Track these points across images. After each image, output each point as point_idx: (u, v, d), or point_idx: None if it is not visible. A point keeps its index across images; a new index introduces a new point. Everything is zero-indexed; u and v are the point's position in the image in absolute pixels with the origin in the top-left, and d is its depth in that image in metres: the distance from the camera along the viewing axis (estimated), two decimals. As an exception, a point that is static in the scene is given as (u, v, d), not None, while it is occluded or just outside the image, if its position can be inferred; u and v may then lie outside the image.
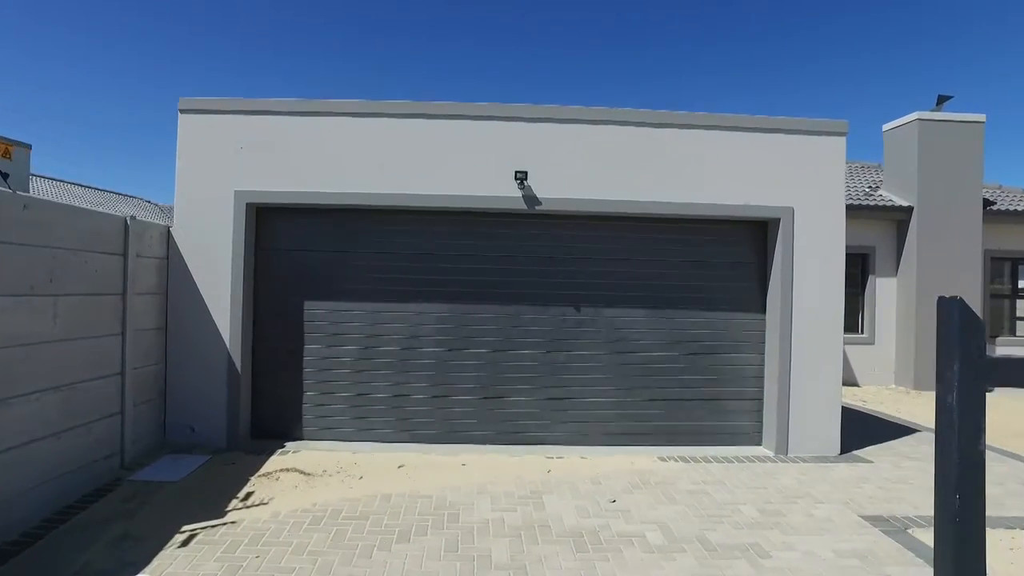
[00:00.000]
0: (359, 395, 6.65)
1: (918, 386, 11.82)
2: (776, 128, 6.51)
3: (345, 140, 6.37)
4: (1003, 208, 12.31)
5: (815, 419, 6.53)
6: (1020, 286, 13.15)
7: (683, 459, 6.30)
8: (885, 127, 12.82)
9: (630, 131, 6.46)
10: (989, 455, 7.35)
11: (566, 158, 6.43)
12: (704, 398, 6.79)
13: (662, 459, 6.30)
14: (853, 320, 12.49)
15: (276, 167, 6.33)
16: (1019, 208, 12.43)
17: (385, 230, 6.68)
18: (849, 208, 11.98)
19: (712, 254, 6.82)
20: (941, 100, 12.28)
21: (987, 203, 12.19)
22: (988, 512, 4.99)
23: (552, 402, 6.72)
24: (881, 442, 7.24)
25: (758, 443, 6.82)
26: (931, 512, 5.41)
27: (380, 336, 6.65)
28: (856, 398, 10.88)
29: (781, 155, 6.51)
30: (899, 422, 8.53)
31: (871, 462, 6.36)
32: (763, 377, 6.76)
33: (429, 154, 6.40)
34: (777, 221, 6.52)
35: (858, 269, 12.46)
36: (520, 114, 6.45)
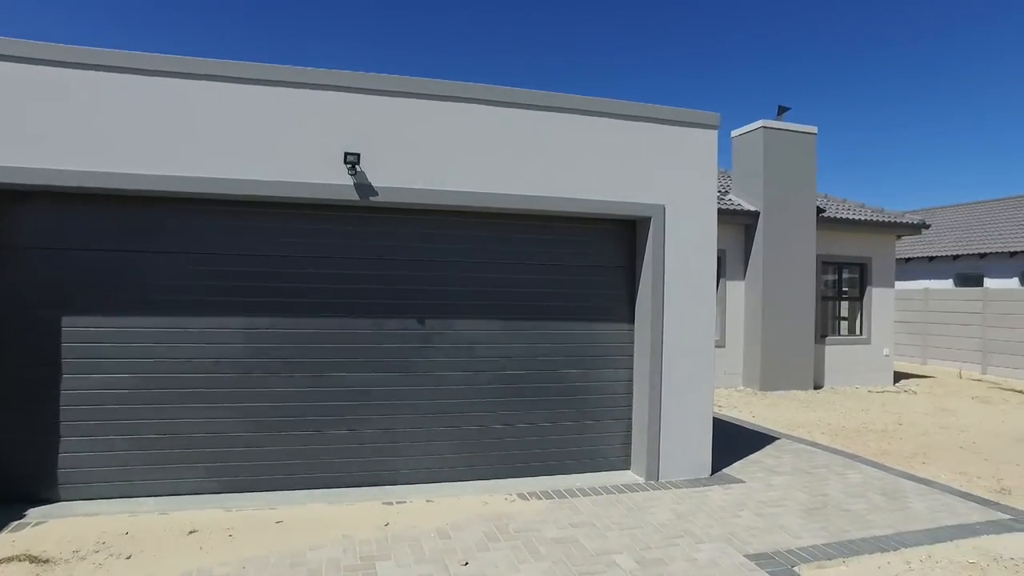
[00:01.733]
0: (142, 437, 5.06)
1: (764, 387, 12.07)
2: (646, 116, 5.84)
3: (122, 106, 4.77)
4: (831, 216, 12.96)
5: (687, 440, 5.95)
6: (844, 289, 14.01)
7: (546, 494, 5.43)
8: (734, 133, 13.05)
9: (484, 111, 5.47)
10: (838, 460, 7.40)
11: (409, 140, 5.31)
12: (568, 420, 5.98)
13: (523, 496, 5.38)
14: (704, 323, 12.53)
15: (17, 136, 4.60)
16: (845, 216, 13.17)
17: (182, 224, 5.15)
18: (701, 211, 12.02)
19: (577, 257, 6.03)
20: (781, 110, 12.71)
21: (819, 210, 12.77)
22: (857, 533, 4.49)
23: (391, 433, 5.56)
24: (747, 455, 6.89)
25: (627, 467, 6.13)
26: (811, 541, 4.97)
27: (173, 360, 5.12)
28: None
29: (652, 147, 5.86)
30: (758, 429, 8.36)
31: (743, 482, 5.89)
32: (632, 395, 6.09)
33: (238, 128, 4.98)
34: (648, 220, 5.85)
35: (709, 272, 12.51)
36: (352, 83, 5.22)
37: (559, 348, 5.97)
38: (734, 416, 9.43)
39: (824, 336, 13.25)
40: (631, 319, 6.08)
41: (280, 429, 5.32)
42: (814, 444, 7.54)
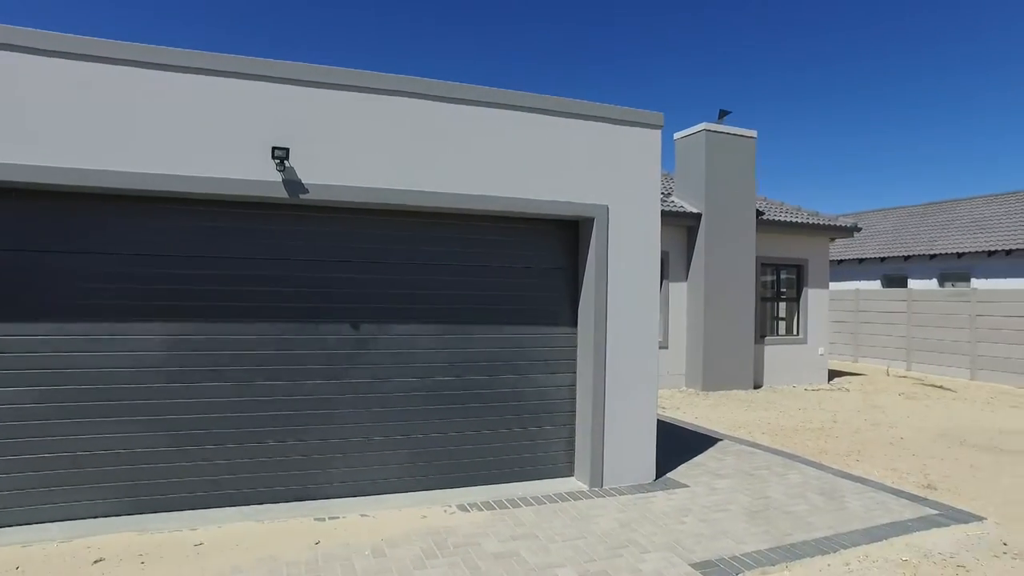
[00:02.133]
0: (47, 456, 4.60)
1: (706, 387, 12.21)
2: (590, 115, 5.72)
3: (27, 90, 4.32)
4: (770, 218, 13.25)
5: (631, 444, 5.86)
6: (781, 290, 14.36)
7: (488, 505, 5.23)
8: (676, 135, 13.18)
9: (421, 106, 5.24)
10: (778, 461, 7.50)
11: (342, 135, 5.03)
12: (510, 427, 5.80)
13: (463, 507, 5.17)
14: (647, 324, 12.59)
15: None
16: (783, 219, 13.48)
17: (95, 223, 4.71)
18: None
19: (519, 259, 5.86)
20: (722, 114, 12.89)
21: (759, 213, 13.03)
22: (799, 536, 4.48)
23: (325, 444, 5.26)
24: (690, 457, 6.87)
25: (571, 474, 6.00)
26: (755, 547, 4.74)
27: (86, 370, 4.67)
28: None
29: (595, 146, 5.75)
30: (700, 431, 8.39)
31: (687, 486, 5.84)
32: (575, 400, 5.96)
33: (158, 119, 4.59)
34: (591, 221, 5.74)
35: (652, 274, 12.59)
36: (284, 73, 4.90)
37: (501, 353, 5.79)
38: (678, 417, 9.47)
39: (763, 336, 13.53)
40: (574, 322, 5.96)
41: (205, 442, 4.94)
42: (755, 445, 7.60)
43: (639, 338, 5.86)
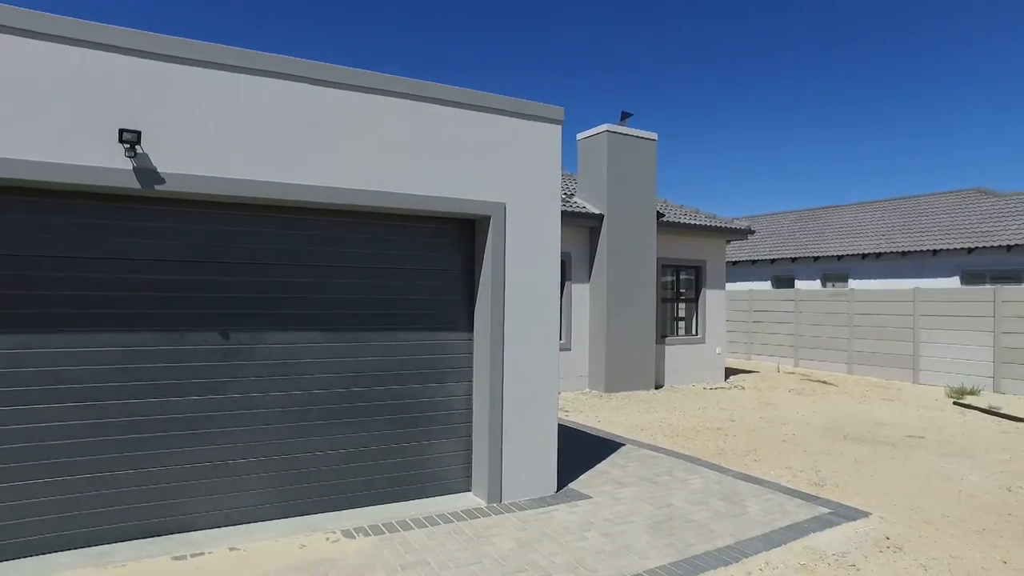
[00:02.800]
0: None
1: (609, 389, 12.21)
2: (487, 107, 5.38)
3: None
4: (671, 220, 13.47)
5: (532, 456, 5.57)
6: (681, 291, 14.66)
7: (376, 529, 4.77)
8: (579, 136, 13.13)
9: (303, 91, 4.71)
10: (680, 465, 7.33)
11: (209, 119, 4.42)
12: (402, 442, 5.36)
13: (348, 533, 4.68)
14: (552, 326, 12.45)
15: None
16: (683, 220, 13.76)
17: None
18: (548, 214, 11.91)
19: (411, 259, 5.43)
20: (624, 116, 12.96)
21: (659, 215, 13.21)
22: (702, 547, 4.19)
23: (189, 469, 4.61)
24: (593, 464, 6.68)
25: (468, 489, 5.63)
26: (659, 561, 4.24)
27: None
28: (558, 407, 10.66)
29: (493, 140, 5.41)
30: (603, 435, 8.26)
31: (589, 497, 5.62)
32: (472, 410, 5.60)
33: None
34: (487, 220, 5.39)
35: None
36: (133, 44, 4.23)
37: (392, 360, 5.34)
38: (580, 422, 9.33)
39: (664, 337, 13.74)
40: (471, 327, 5.60)
41: (38, 475, 4.18)
42: (657, 448, 7.54)
43: (539, 343, 5.58)
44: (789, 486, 6.12)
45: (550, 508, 5.32)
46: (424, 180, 5.11)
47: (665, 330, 13.96)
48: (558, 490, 5.74)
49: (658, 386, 13.23)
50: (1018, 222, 17.80)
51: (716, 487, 5.96)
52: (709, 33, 63.11)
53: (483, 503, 5.38)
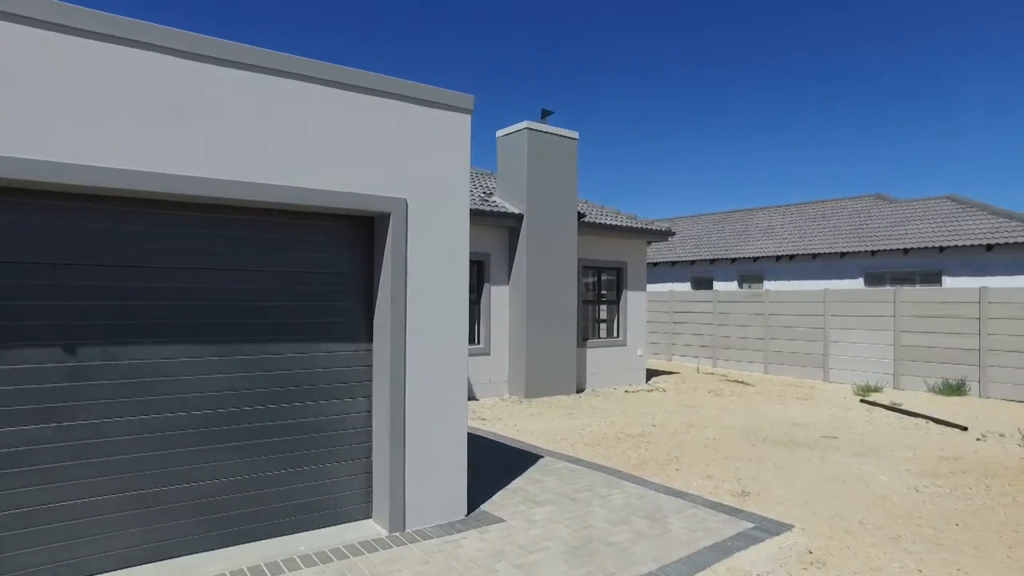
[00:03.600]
0: None
1: (529, 394, 11.84)
2: (388, 91, 4.82)
3: None
4: (592, 220, 13.26)
5: (439, 477, 5.05)
6: (602, 292, 14.51)
7: (256, 572, 4.12)
8: (499, 133, 12.70)
9: (169, 64, 4.01)
10: (601, 479, 6.23)
11: (38, 90, 3.66)
12: (292, 466, 4.72)
13: (221, 580, 4.02)
14: (470, 331, 11.97)
15: None
16: (604, 221, 13.57)
17: None
18: (470, 213, 11.41)
19: (304, 262, 4.81)
20: (545, 114, 12.64)
21: (580, 215, 12.96)
22: (624, 574, 3.76)
23: (25, 514, 3.82)
24: (508, 481, 6.23)
25: (369, 515, 5.06)
26: None
27: None
28: (475, 416, 10.19)
29: (393, 129, 4.86)
30: (521, 446, 7.83)
31: (502, 520, 5.15)
32: (372, 428, 5.03)
33: None
34: (387, 217, 4.84)
35: (474, 277, 11.99)
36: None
37: (280, 376, 4.70)
38: (499, 432, 8.88)
39: (586, 339, 13.51)
40: (370, 337, 5.03)
41: None
42: (577, 460, 7.17)
43: (445, 353, 5.07)
44: (712, 498, 5.88)
45: (458, 536, 4.82)
46: (314, 172, 4.50)
47: (587, 333, 13.75)
48: (469, 513, 5.25)
49: (580, 390, 12.98)
50: (914, 227, 18.75)
51: (638, 503, 5.63)
52: (624, 39, 64.45)
53: (384, 532, 4.82)
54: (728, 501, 5.83)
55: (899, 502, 6.01)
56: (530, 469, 6.69)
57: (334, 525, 4.91)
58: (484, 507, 5.44)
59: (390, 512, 4.82)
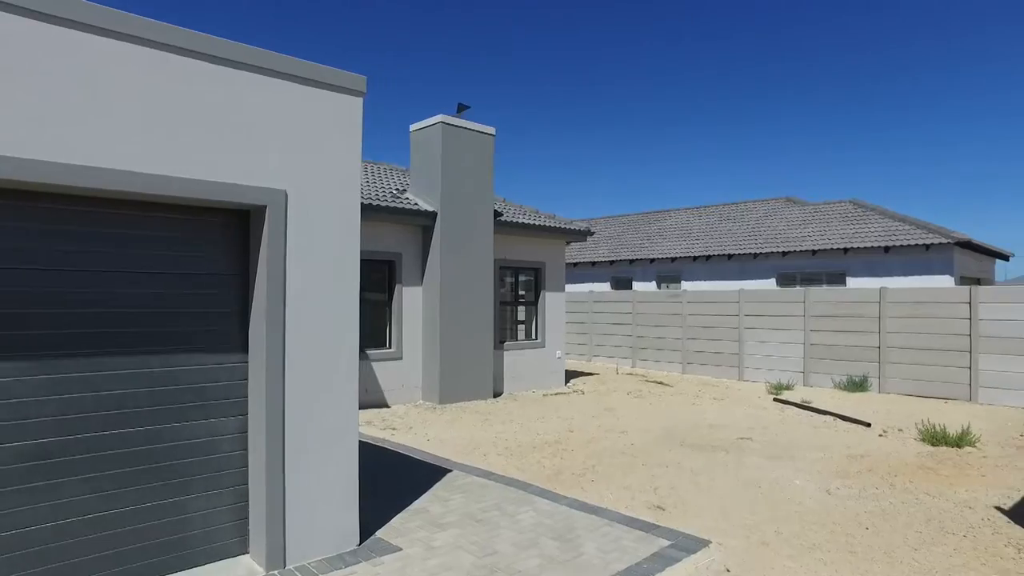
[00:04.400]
0: None
1: (444, 400, 11.32)
2: (266, 68, 4.20)
3: None
4: (509, 219, 12.87)
5: (325, 504, 4.48)
6: (520, 293, 14.17)
7: (92, 634, 3.44)
8: (412, 127, 12.11)
9: (-23, 19, 3.27)
10: (511, 495, 5.49)
11: None
12: (153, 500, 4.03)
13: (44, 648, 3.31)
14: (381, 335, 11.32)
15: None
16: (521, 220, 13.22)
17: None
18: (376, 210, 10.74)
19: (169, 262, 4.12)
20: (461, 108, 12.15)
21: (497, 214, 12.56)
22: None
23: None
24: (411, 500, 5.70)
25: (244, 550, 4.42)
26: None
27: None
28: (385, 424, 9.58)
29: (271, 110, 4.25)
30: (429, 459, 7.31)
31: (399, 549, 4.63)
32: (247, 452, 4.40)
33: None
34: (262, 211, 4.22)
35: (385, 277, 11.36)
36: None
37: (140, 395, 3.99)
38: (407, 443, 8.32)
39: (503, 342, 13.12)
40: (245, 347, 4.39)
41: None
42: (488, 473, 6.73)
43: (333, 366, 4.50)
44: (628, 513, 5.56)
45: (347, 570, 4.26)
46: (172, 157, 3.83)
47: (504, 335, 13.36)
48: (361, 542, 4.70)
49: (497, 394, 12.57)
50: (821, 229, 19.48)
51: (549, 522, 5.23)
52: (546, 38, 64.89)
53: (261, 570, 4.21)
54: (644, 515, 5.54)
55: (813, 507, 5.91)
56: (436, 485, 6.19)
57: (204, 564, 4.24)
58: (380, 534, 4.90)
59: (267, 546, 4.21)
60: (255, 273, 4.30)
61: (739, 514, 5.67)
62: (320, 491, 4.45)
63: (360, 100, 4.66)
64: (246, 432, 4.38)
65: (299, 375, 4.32)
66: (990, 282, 20.29)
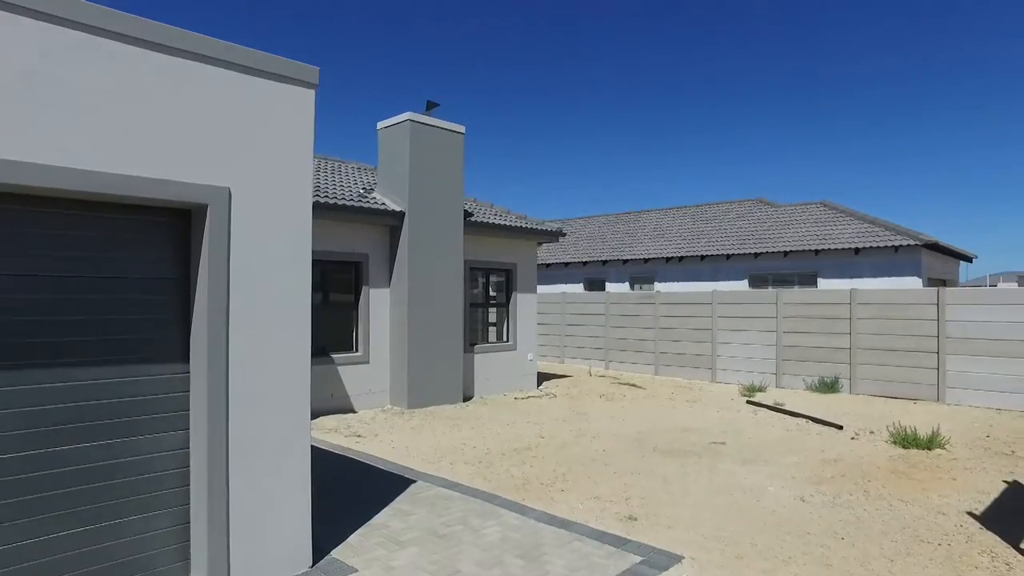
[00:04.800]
0: None
1: (412, 405, 11.02)
2: (208, 55, 3.90)
3: None
4: (479, 220, 12.61)
5: (274, 524, 4.18)
6: (491, 294, 13.93)
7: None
8: (380, 125, 11.78)
9: None
10: (476, 508, 5.17)
11: None
12: (82, 525, 3.69)
13: None
14: (348, 338, 10.98)
15: None
16: (492, 221, 12.96)
17: None
18: (342, 209, 10.40)
19: (104, 265, 3.78)
20: (430, 106, 11.86)
21: (467, 214, 12.30)
22: None
23: None
24: (371, 515, 5.42)
25: (186, 573, 4.10)
26: None
27: None
28: (351, 431, 9.26)
29: (216, 101, 3.94)
30: (394, 469, 7.02)
31: (355, 571, 4.34)
32: (188, 470, 4.08)
33: None
34: (204, 210, 3.91)
35: (352, 279, 11.02)
36: None
37: (69, 410, 3.65)
38: (371, 451, 8.01)
39: (473, 345, 12.85)
40: (186, 357, 4.07)
41: None
42: (454, 484, 6.47)
43: (281, 376, 4.20)
44: (598, 526, 5.34)
45: (297, 597, 3.97)
46: (109, 150, 3.51)
47: (475, 337, 13.10)
48: (315, 563, 4.41)
49: (467, 398, 12.30)
50: (793, 231, 19.57)
51: (515, 537, 4.99)
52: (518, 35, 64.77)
53: (203, 598, 3.90)
54: (616, 528, 5.33)
55: (788, 516, 5.76)
56: (398, 498, 5.91)
57: (139, 592, 3.92)
58: (335, 553, 4.61)
59: (208, 572, 3.90)
60: (196, 277, 3.98)
61: (713, 524, 5.49)
62: (268, 509, 4.15)
63: (312, 92, 4.37)
64: (187, 447, 4.06)
65: (244, 385, 4.02)
66: (955, 283, 20.61)
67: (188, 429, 4.06)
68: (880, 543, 5.14)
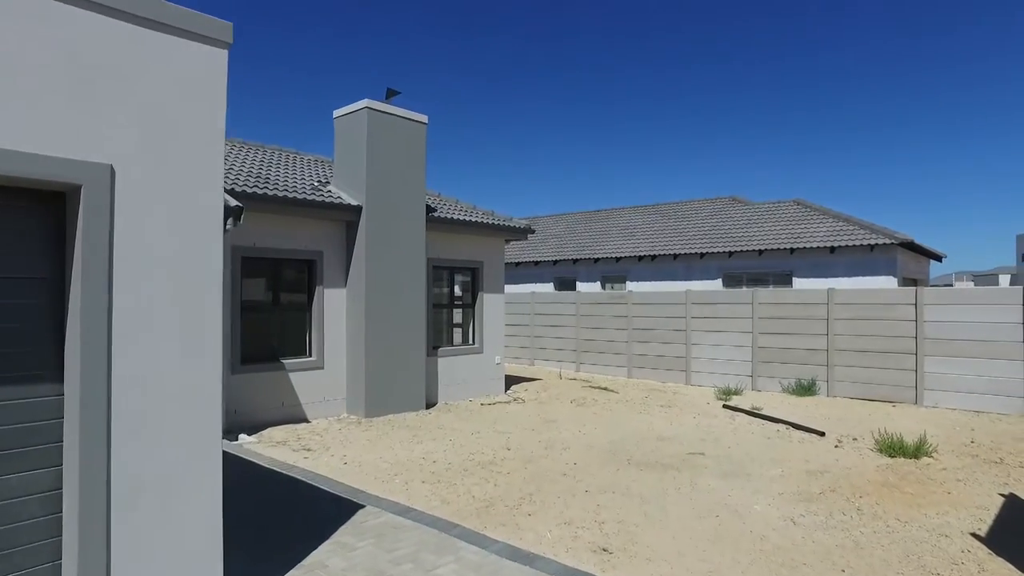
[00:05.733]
0: None
1: (370, 413, 10.25)
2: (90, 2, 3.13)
3: None
4: (442, 216, 11.88)
5: (171, 571, 3.43)
6: (456, 294, 13.21)
7: None
8: (336, 113, 10.98)
9: None
10: (431, 541, 4.19)
11: None
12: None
13: None
14: (300, 341, 10.16)
15: None
16: (457, 217, 12.24)
17: None
18: (294, 203, 9.58)
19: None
20: (390, 94, 11.10)
21: (429, 209, 11.57)
22: None
23: None
24: (309, 549, 4.67)
25: (63, 645, 3.32)
26: None
27: None
28: (300, 444, 8.47)
29: (93, 57, 3.17)
30: (341, 491, 6.27)
31: (276, 630, 3.62)
32: (62, 512, 3.30)
33: None
34: (77, 191, 3.14)
35: (305, 279, 10.21)
36: None
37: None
38: (318, 470, 7.24)
39: (437, 348, 12.12)
40: (60, 377, 3.29)
41: None
42: (407, 508, 5.75)
43: (182, 396, 3.44)
44: (568, 560, 4.69)
45: (199, 670, 3.22)
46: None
47: (438, 340, 12.36)
48: (231, 621, 3.67)
49: (430, 405, 11.56)
50: (767, 229, 19.22)
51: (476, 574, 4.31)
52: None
53: (81, 675, 3.13)
54: (588, 562, 4.68)
55: (779, 542, 5.19)
56: (342, 527, 5.18)
57: (2, 667, 3.13)
58: (258, 606, 3.87)
59: (89, 644, 3.13)
60: (70, 275, 3.20)
61: (697, 556, 4.88)
62: (163, 557, 3.39)
63: (224, 53, 3.62)
64: (61, 488, 3.28)
65: (132, 406, 3.25)
66: (925, 283, 20.51)
67: (60, 465, 3.27)
68: (884, 575, 4.59)
